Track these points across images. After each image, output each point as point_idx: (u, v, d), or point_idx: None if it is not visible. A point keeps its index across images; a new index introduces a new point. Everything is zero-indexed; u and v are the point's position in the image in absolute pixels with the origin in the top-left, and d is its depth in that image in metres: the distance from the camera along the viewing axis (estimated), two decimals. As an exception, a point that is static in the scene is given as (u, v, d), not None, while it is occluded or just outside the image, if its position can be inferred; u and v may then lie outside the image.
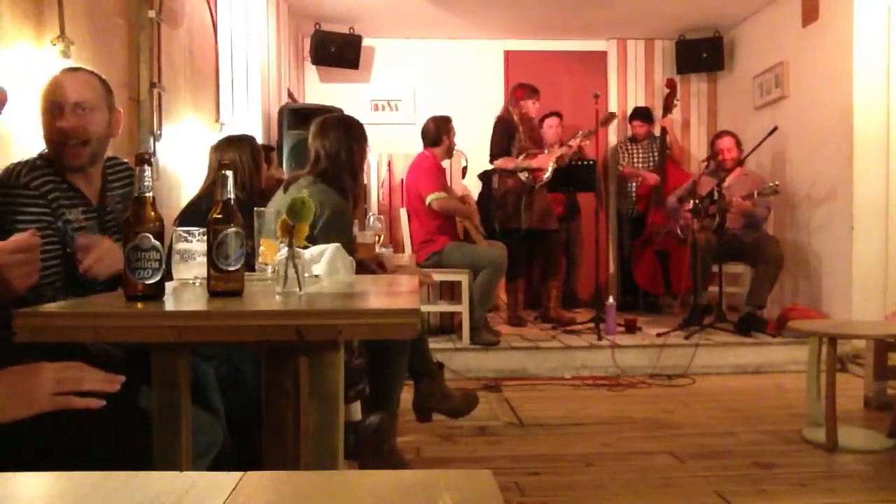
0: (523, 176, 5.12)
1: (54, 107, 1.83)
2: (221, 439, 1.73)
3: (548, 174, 5.11)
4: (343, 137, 2.84)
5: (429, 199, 4.59)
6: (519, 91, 5.23)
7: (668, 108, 6.24)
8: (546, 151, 5.20)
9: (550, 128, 5.86)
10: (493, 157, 5.21)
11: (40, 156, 1.87)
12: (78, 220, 1.85)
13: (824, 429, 3.03)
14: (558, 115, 6.00)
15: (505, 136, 5.19)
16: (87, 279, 1.82)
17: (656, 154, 6.19)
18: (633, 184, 6.29)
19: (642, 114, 6.41)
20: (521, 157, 5.10)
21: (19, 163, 1.84)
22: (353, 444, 2.57)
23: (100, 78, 1.94)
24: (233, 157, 2.95)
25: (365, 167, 2.92)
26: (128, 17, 3.16)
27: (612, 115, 5.71)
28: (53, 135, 1.84)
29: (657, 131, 6.27)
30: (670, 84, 6.30)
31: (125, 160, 2.09)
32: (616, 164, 6.55)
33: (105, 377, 1.33)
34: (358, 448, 2.58)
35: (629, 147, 6.38)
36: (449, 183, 5.07)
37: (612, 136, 6.80)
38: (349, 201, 2.84)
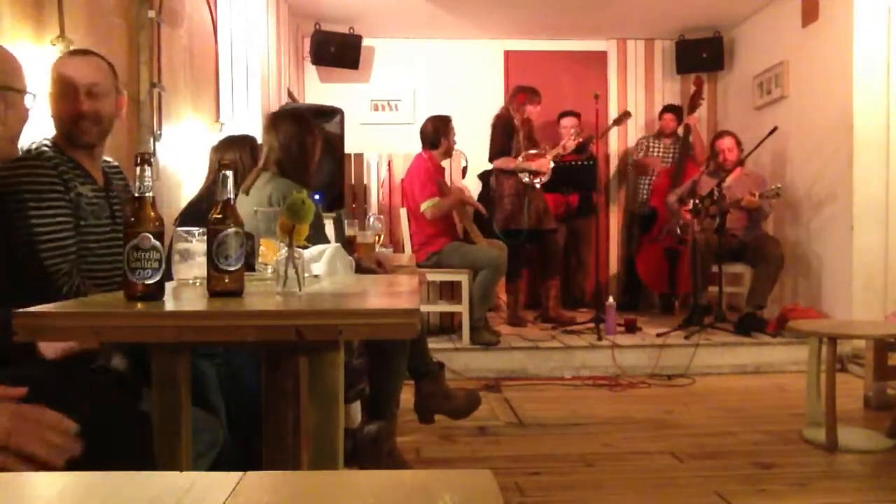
0: (524, 177, 5.13)
1: (68, 88, 1.91)
2: (221, 439, 1.74)
3: (547, 176, 5.13)
4: (293, 130, 2.83)
5: (422, 207, 4.60)
6: (521, 95, 5.24)
7: (693, 106, 6.15)
8: (544, 152, 5.21)
9: (565, 128, 5.84)
10: (492, 157, 5.22)
11: (47, 141, 1.94)
12: (88, 196, 1.92)
13: (824, 429, 3.03)
14: (576, 115, 5.97)
15: (504, 136, 5.20)
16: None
17: (678, 152, 6.12)
18: (648, 179, 6.21)
19: (676, 109, 6.29)
20: (520, 158, 5.11)
21: (28, 145, 1.91)
22: (351, 450, 2.57)
23: (107, 61, 2.02)
24: (233, 157, 2.95)
25: (317, 157, 2.90)
26: (128, 17, 3.16)
27: (626, 114, 5.69)
28: (66, 115, 1.92)
29: (680, 130, 6.20)
30: (697, 82, 6.22)
31: (115, 162, 2.17)
32: (635, 156, 6.43)
33: (61, 442, 1.09)
34: (356, 454, 2.58)
35: (652, 142, 6.28)
36: (449, 181, 5.07)
37: (613, 136, 6.77)
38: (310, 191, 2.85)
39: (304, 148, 2.83)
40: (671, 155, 6.16)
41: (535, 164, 5.11)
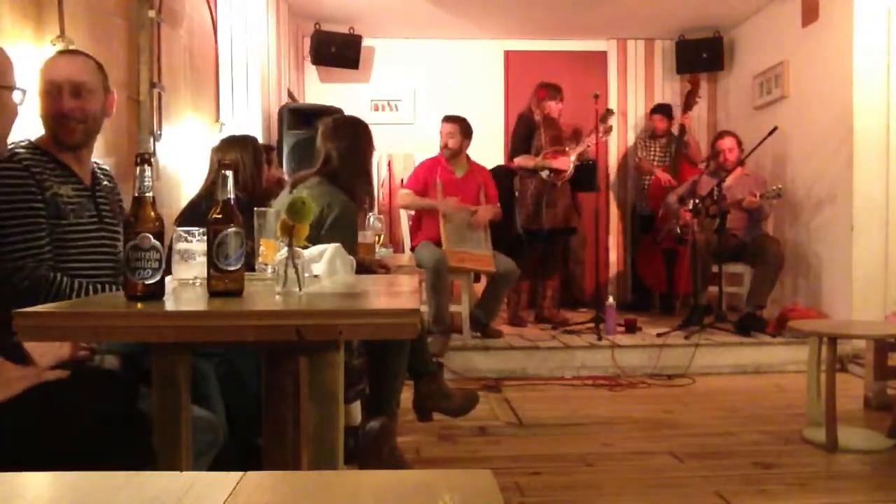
0: (544, 175, 5.13)
1: (53, 87, 1.91)
2: (221, 438, 1.74)
3: (570, 172, 5.13)
4: (355, 139, 2.84)
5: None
6: (542, 91, 5.26)
7: (688, 105, 6.15)
8: (566, 149, 5.20)
9: None
10: (512, 155, 5.27)
11: (29, 142, 1.93)
12: (69, 196, 1.91)
13: (824, 429, 3.03)
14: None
15: (525, 135, 5.24)
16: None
17: (672, 152, 6.13)
18: (646, 180, 6.24)
19: (664, 109, 6.30)
20: (540, 157, 5.12)
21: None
22: (353, 448, 2.57)
23: (95, 60, 2.01)
24: (235, 158, 2.96)
25: (371, 168, 2.95)
26: (128, 17, 3.16)
27: (609, 112, 5.69)
28: (52, 114, 1.92)
29: (675, 129, 6.21)
30: (693, 80, 6.21)
31: (106, 167, 2.17)
32: (634, 157, 6.44)
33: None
34: (358, 452, 2.58)
35: (648, 143, 6.30)
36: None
37: (613, 136, 6.76)
38: (357, 203, 2.85)
39: (363, 158, 2.85)
40: (667, 155, 6.17)
41: (555, 162, 5.11)
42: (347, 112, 5.46)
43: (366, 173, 2.89)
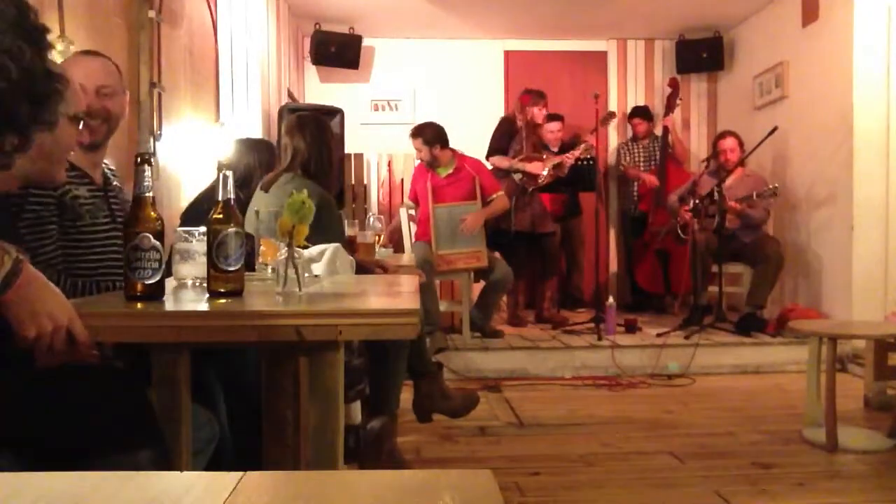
0: (517, 177, 5.14)
1: (78, 87, 1.91)
2: (218, 434, 1.74)
3: (542, 180, 5.14)
4: (320, 134, 2.87)
5: None
6: (525, 97, 5.28)
7: (670, 107, 6.21)
8: (545, 157, 5.21)
9: (551, 132, 5.86)
10: (489, 154, 5.29)
11: None
12: (85, 197, 1.91)
13: (824, 429, 3.03)
14: (560, 118, 6.00)
15: (505, 136, 5.28)
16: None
17: (658, 154, 6.18)
18: (635, 183, 6.28)
19: (642, 111, 6.39)
20: (516, 159, 5.15)
21: None
22: (354, 447, 2.57)
23: (113, 62, 2.05)
24: (251, 162, 3.01)
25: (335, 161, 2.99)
26: (128, 17, 3.16)
27: (611, 114, 5.70)
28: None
29: (658, 131, 6.26)
30: (673, 83, 6.27)
31: (113, 166, 2.17)
32: (618, 164, 6.54)
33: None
34: (358, 451, 2.58)
35: (630, 147, 6.36)
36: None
37: (613, 136, 6.78)
38: (333, 195, 2.88)
39: (329, 151, 2.88)
40: (651, 156, 6.22)
41: (529, 166, 5.13)
42: (348, 112, 5.50)
43: (332, 166, 2.92)
